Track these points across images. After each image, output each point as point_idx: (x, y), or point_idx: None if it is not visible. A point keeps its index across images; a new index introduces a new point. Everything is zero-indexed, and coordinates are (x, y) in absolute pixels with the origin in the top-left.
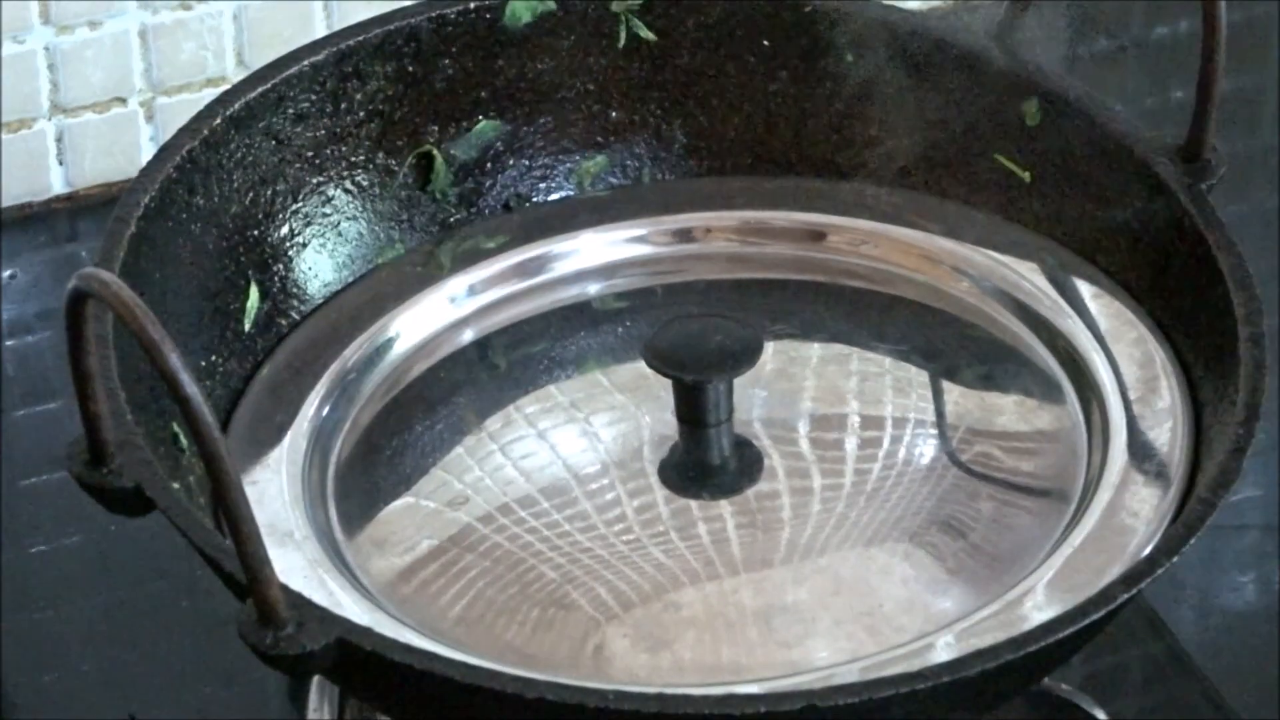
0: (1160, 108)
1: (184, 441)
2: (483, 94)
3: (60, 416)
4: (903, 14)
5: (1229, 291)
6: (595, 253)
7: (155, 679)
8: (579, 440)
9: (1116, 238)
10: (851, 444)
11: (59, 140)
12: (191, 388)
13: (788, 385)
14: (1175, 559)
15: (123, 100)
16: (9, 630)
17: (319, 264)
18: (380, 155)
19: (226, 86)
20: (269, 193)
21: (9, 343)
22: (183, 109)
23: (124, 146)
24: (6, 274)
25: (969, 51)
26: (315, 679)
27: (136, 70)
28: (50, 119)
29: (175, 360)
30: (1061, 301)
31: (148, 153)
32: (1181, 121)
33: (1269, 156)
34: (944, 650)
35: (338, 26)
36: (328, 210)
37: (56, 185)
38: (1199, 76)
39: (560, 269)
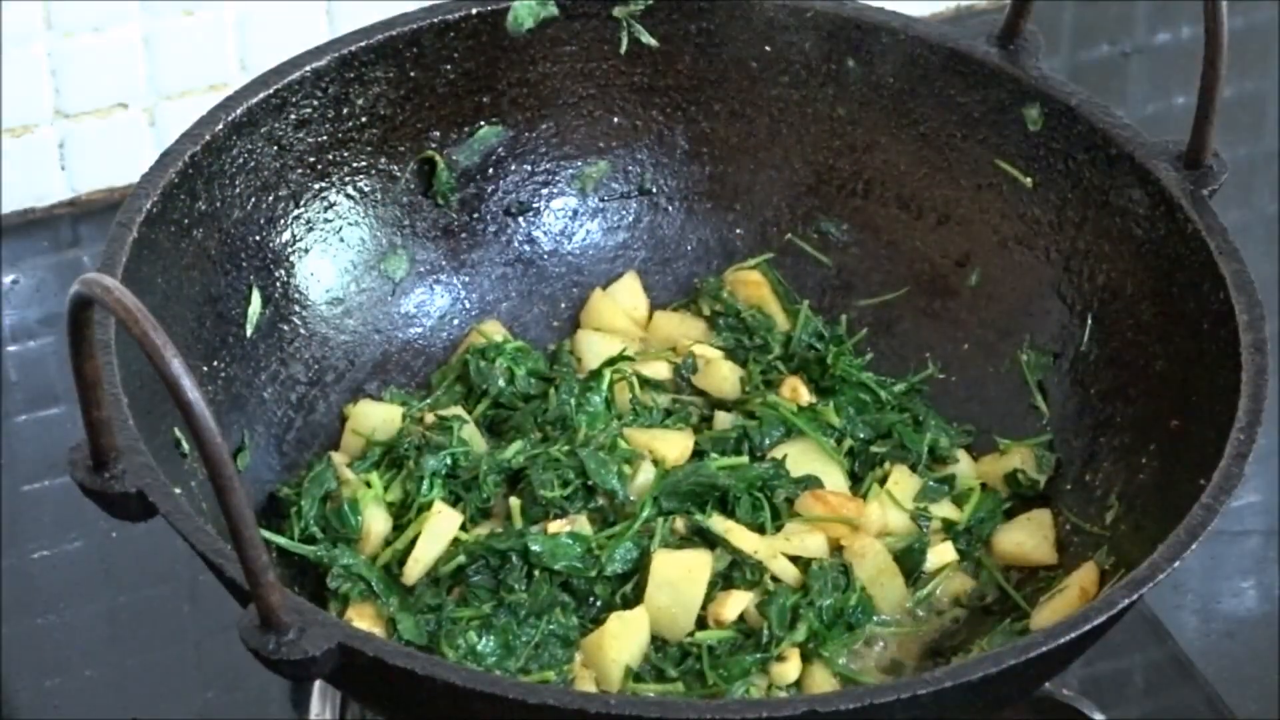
0: (1162, 113)
1: (185, 446)
2: (485, 99)
3: (62, 421)
4: (904, 20)
5: (1230, 297)
6: None
7: (157, 683)
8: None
9: (1118, 243)
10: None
11: (61, 146)
12: (194, 393)
13: None
14: (1176, 564)
15: (125, 105)
16: (11, 634)
17: (321, 269)
18: (382, 160)
19: (229, 91)
20: (271, 198)
21: (11, 348)
22: (185, 114)
23: (126, 152)
24: (9, 279)
25: (970, 57)
26: (317, 683)
27: (139, 75)
28: (53, 124)
29: (177, 365)
30: None
31: (150, 158)
32: (1183, 127)
33: (1270, 162)
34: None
35: (340, 31)
36: (330, 215)
37: (59, 190)
38: (1200, 82)
39: None
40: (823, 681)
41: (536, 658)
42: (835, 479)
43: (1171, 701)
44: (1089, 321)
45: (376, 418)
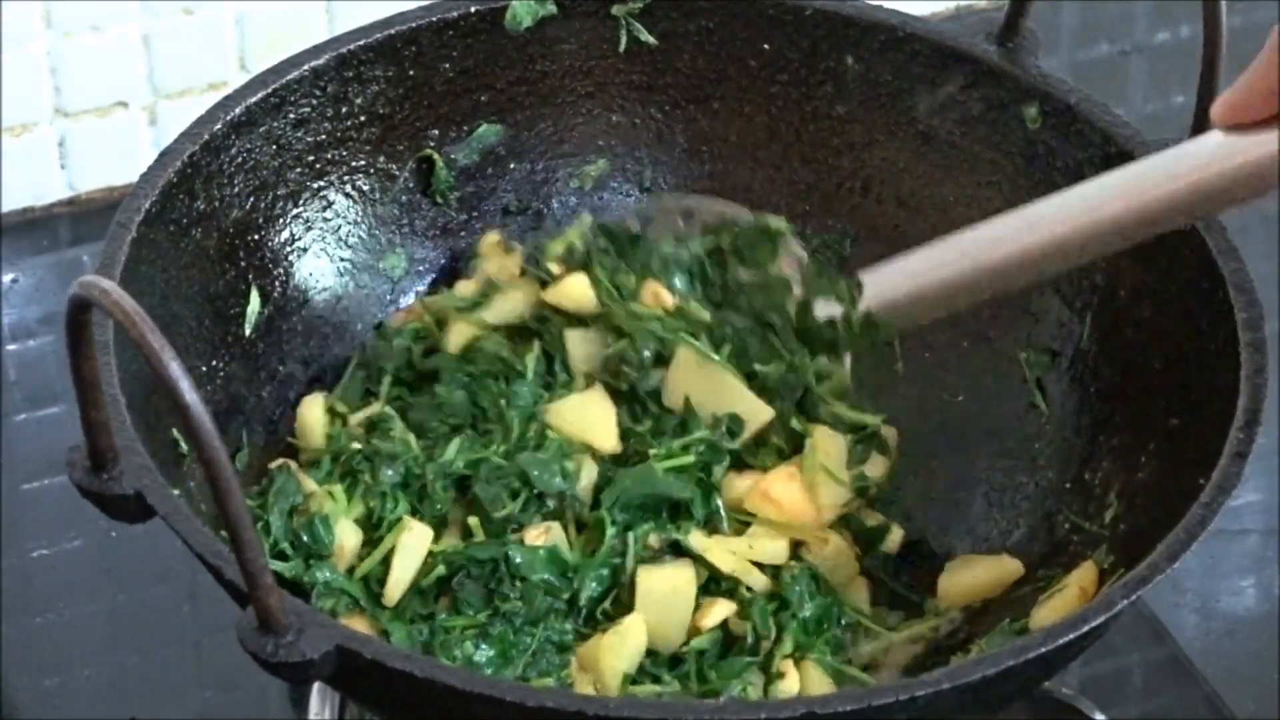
0: (1162, 112)
1: (184, 447)
2: (483, 98)
3: (62, 420)
4: (903, 18)
5: (1230, 296)
6: None
7: (156, 683)
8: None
9: None
10: None
11: (61, 144)
12: (191, 395)
13: None
14: (1175, 564)
15: (125, 104)
16: (10, 634)
17: (320, 268)
18: (381, 159)
19: (229, 91)
20: (269, 197)
21: (11, 347)
22: (185, 113)
23: (126, 151)
24: (8, 278)
25: (969, 55)
26: (316, 683)
27: (139, 74)
28: (52, 123)
29: (175, 368)
30: None
31: (150, 157)
32: (1183, 126)
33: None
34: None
35: (339, 30)
36: (328, 215)
37: (58, 189)
38: (1199, 81)
39: None
40: (818, 680)
41: (534, 664)
42: (753, 408)
43: (1171, 700)
44: (1088, 319)
45: (310, 419)
